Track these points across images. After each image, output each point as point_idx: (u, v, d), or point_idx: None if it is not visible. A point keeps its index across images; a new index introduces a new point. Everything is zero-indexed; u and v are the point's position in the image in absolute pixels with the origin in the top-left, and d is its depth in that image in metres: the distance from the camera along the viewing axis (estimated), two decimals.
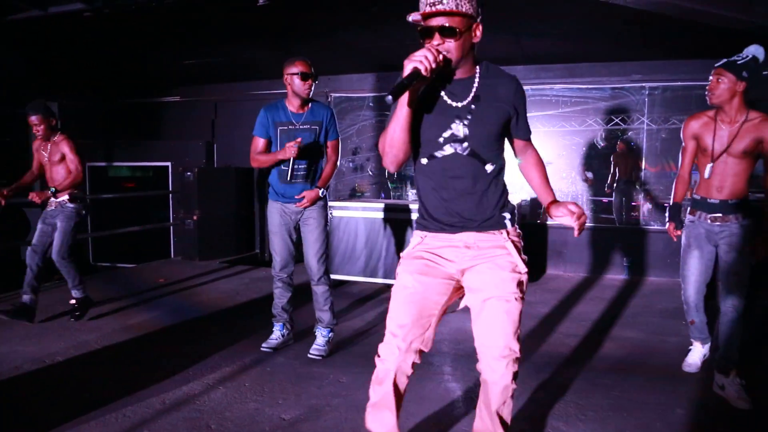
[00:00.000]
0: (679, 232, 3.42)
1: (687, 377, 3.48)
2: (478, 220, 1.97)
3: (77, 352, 3.85)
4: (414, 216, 5.59)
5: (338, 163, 3.82)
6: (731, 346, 3.16)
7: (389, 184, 7.42)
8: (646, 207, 6.60)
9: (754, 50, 3.11)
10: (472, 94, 1.95)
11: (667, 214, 3.51)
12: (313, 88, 3.59)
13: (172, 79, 8.05)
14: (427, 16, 1.84)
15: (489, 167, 1.97)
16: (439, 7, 1.81)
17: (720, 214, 3.19)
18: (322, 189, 3.70)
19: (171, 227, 8.06)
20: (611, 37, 5.34)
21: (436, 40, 1.84)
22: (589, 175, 6.72)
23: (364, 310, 5.04)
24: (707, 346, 3.55)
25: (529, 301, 5.41)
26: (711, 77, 3.09)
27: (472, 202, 1.97)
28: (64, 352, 3.84)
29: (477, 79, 1.96)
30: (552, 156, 6.64)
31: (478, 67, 1.98)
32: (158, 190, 8.40)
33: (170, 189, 8.06)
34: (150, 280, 6.21)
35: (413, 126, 1.89)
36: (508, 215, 2.01)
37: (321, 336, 3.86)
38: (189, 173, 7.26)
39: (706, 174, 3.18)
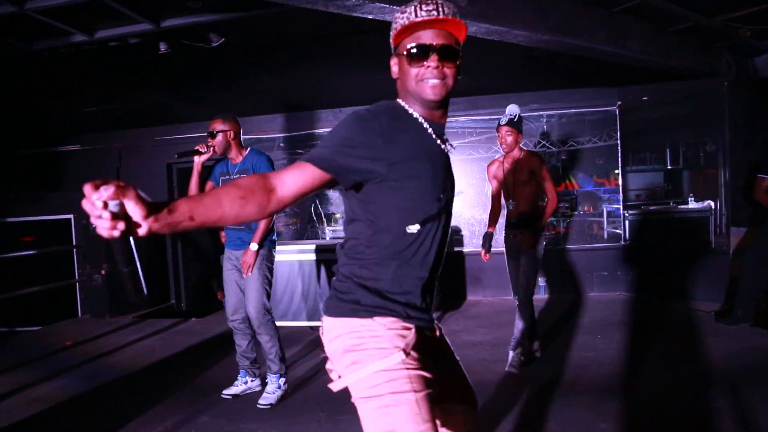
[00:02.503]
0: (489, 256, 4.29)
1: (610, 392, 3.64)
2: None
3: None
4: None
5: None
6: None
7: (315, 224, 7.39)
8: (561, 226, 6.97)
9: (516, 109, 4.10)
10: (448, 146, 1.64)
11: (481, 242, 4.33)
12: (224, 141, 3.65)
13: (72, 127, 7.66)
14: (418, 27, 1.48)
15: None
16: (441, 13, 1.46)
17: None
18: (255, 244, 3.67)
19: (77, 284, 7.55)
20: (510, 71, 5.67)
21: (432, 62, 1.49)
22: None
23: (288, 358, 4.92)
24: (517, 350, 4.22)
25: (453, 330, 5.52)
26: (500, 133, 4.07)
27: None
28: None
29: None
30: (463, 185, 6.89)
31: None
32: (60, 245, 7.86)
33: (74, 243, 7.57)
34: (56, 343, 5.77)
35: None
36: None
37: (271, 383, 3.86)
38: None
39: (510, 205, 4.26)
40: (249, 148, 3.81)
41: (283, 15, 3.33)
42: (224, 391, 3.95)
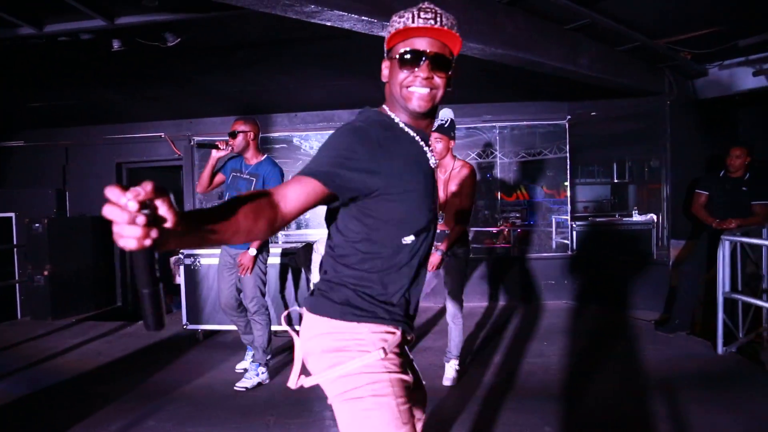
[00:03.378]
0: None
1: (555, 396, 3.77)
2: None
3: None
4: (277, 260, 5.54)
5: None
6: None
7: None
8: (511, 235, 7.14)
9: (448, 113, 3.92)
10: (432, 160, 1.64)
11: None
12: (244, 142, 3.98)
13: (15, 123, 7.37)
14: (414, 33, 1.46)
15: None
16: (438, 23, 1.45)
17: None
18: (253, 249, 3.97)
19: (17, 285, 7.24)
20: (464, 82, 5.78)
21: (423, 70, 1.47)
22: None
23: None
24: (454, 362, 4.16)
25: None
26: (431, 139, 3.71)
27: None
28: None
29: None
30: None
31: None
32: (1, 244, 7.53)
33: (15, 242, 7.27)
34: None
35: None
36: None
37: (251, 370, 4.15)
38: (37, 224, 6.62)
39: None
40: (266, 155, 4.12)
41: (241, 17, 3.32)
42: (237, 365, 4.52)
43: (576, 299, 6.91)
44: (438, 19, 1.44)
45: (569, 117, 6.95)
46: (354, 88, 5.82)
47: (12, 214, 7.19)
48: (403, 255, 1.52)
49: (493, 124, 7.00)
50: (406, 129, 1.55)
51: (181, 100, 6.18)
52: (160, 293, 0.98)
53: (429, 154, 1.58)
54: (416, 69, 1.46)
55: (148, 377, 4.42)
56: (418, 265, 1.57)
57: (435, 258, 3.82)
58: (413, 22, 1.44)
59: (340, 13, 3.24)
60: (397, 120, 1.55)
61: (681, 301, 5.22)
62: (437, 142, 3.88)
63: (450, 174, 3.99)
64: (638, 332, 5.39)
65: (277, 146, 6.99)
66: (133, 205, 0.89)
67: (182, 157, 7.18)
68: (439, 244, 3.85)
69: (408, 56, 1.46)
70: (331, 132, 1.44)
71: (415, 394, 1.71)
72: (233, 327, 5.59)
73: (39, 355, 5.23)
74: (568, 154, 6.99)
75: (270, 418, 3.51)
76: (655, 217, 6.29)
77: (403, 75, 1.48)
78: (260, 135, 4.15)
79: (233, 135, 4.00)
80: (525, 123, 6.99)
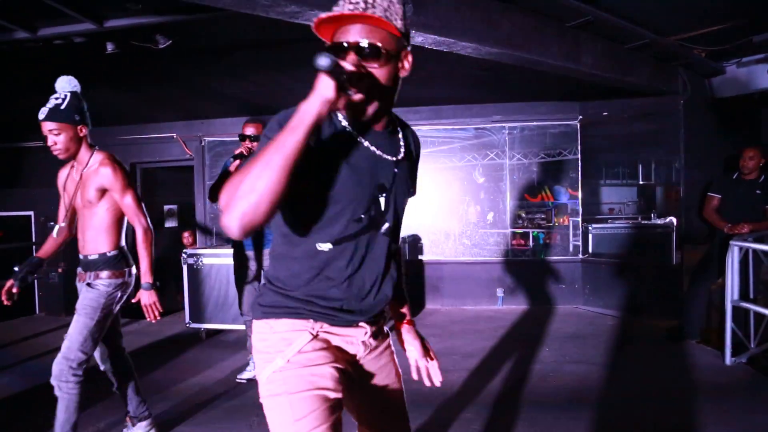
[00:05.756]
0: None
1: (555, 403, 3.67)
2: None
3: None
4: None
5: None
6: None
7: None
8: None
9: (68, 86, 2.86)
10: (402, 151, 1.50)
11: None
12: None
13: (34, 124, 7.55)
14: (338, 22, 1.32)
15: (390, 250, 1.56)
16: (362, 7, 1.29)
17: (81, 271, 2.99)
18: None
19: (35, 281, 7.45)
20: (469, 82, 5.70)
21: (354, 58, 1.30)
22: (478, 208, 7.02)
23: (230, 363, 4.86)
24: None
25: None
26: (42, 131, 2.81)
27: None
28: None
29: (399, 129, 1.53)
30: (423, 195, 6.88)
31: (392, 115, 1.50)
32: (21, 242, 7.75)
33: (33, 240, 7.47)
34: (7, 339, 5.69)
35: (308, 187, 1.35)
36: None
37: (251, 362, 4.27)
38: (52, 223, 6.77)
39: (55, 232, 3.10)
40: None
41: (229, 18, 3.31)
42: (238, 375, 4.34)
43: (587, 304, 6.74)
44: (367, 3, 1.29)
45: (581, 117, 6.77)
46: None
47: (31, 213, 7.41)
48: (324, 261, 1.45)
49: (503, 124, 6.88)
50: (347, 126, 1.41)
51: (188, 101, 6.25)
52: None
53: (379, 155, 1.44)
54: None
55: (147, 374, 4.48)
56: (349, 274, 1.47)
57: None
58: (340, 8, 1.32)
59: (322, 13, 3.21)
60: (340, 116, 1.42)
61: (691, 308, 5.04)
62: (53, 133, 2.80)
63: (84, 176, 2.92)
64: (648, 339, 5.23)
65: None
66: None
67: (193, 158, 7.27)
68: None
69: (331, 49, 1.32)
70: None
71: (368, 409, 1.65)
72: (235, 326, 5.65)
73: (48, 350, 5.36)
74: (579, 155, 6.82)
75: (254, 418, 3.51)
76: (675, 220, 6.08)
77: None
78: None
79: (243, 138, 4.11)
80: (535, 123, 6.85)
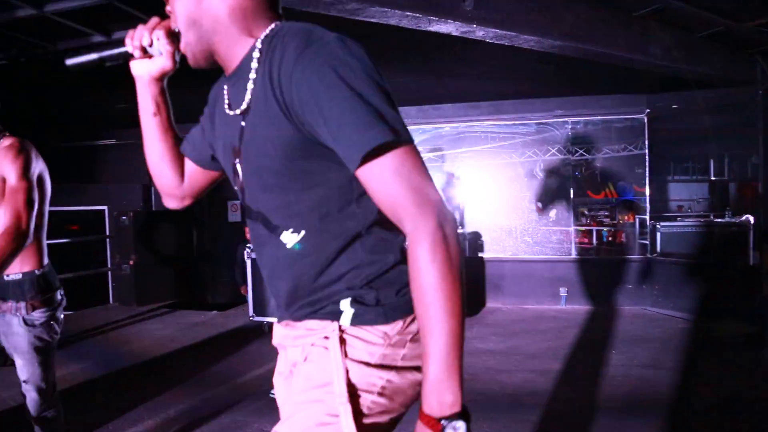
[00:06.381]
0: None
1: (619, 411, 3.54)
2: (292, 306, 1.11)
3: None
4: None
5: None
6: None
7: None
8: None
9: None
10: (245, 99, 1.03)
11: None
12: None
13: (108, 123, 7.97)
14: None
15: (287, 238, 1.05)
16: None
17: None
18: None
19: (109, 272, 7.86)
20: (530, 75, 5.59)
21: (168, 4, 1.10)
22: (540, 205, 6.88)
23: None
24: None
25: (467, 337, 5.45)
26: None
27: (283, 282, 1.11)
28: None
29: (254, 65, 1.01)
30: (486, 191, 6.81)
31: (260, 40, 1.02)
32: (96, 235, 8.21)
33: (107, 233, 7.89)
34: (83, 327, 6.02)
35: None
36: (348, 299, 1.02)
37: None
38: (124, 217, 7.14)
39: None
40: None
41: (291, 18, 3.38)
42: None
43: (656, 306, 6.46)
44: None
45: (648, 110, 6.49)
46: (419, 84, 5.79)
47: (104, 208, 7.82)
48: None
49: (565, 119, 6.69)
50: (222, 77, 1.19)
51: None
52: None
53: (225, 98, 1.13)
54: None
55: (212, 365, 4.64)
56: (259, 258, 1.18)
57: None
58: None
59: (382, 9, 3.22)
60: None
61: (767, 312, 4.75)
62: None
63: None
64: (725, 346, 4.95)
65: None
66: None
67: None
68: None
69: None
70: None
71: None
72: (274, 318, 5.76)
73: (120, 338, 5.68)
74: (646, 150, 6.55)
75: None
76: (752, 218, 5.75)
77: None
78: None
79: None
80: (600, 117, 6.62)
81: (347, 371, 0.97)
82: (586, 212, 6.75)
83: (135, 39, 1.11)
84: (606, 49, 4.16)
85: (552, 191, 6.81)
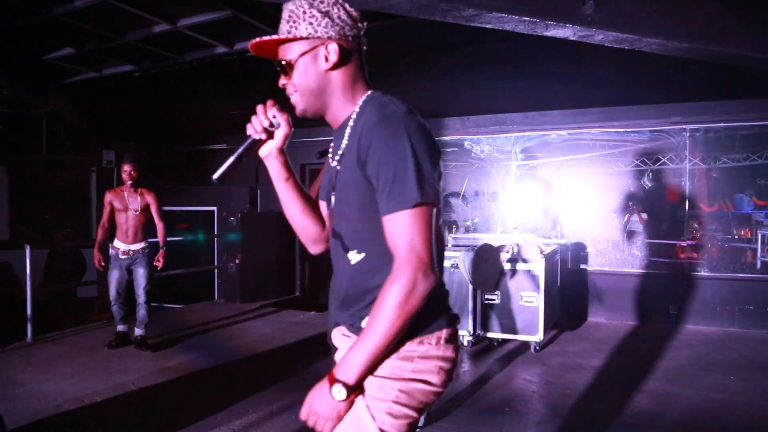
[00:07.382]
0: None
1: None
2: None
3: (114, 393, 4.01)
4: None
5: None
6: None
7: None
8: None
9: None
10: (342, 148, 1.35)
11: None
12: None
13: (220, 129, 8.43)
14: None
15: (352, 257, 1.35)
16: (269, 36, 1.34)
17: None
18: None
19: (215, 270, 8.30)
20: (646, 80, 5.29)
21: (282, 78, 1.39)
22: (644, 216, 6.51)
23: None
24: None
25: (567, 351, 5.24)
26: None
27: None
28: (103, 392, 4.00)
29: (351, 123, 1.34)
30: (591, 201, 6.52)
31: (359, 105, 1.36)
32: (205, 234, 8.69)
33: (215, 233, 8.33)
34: (193, 322, 6.38)
35: None
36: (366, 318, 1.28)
37: None
38: (232, 218, 7.51)
39: None
40: None
41: (399, 26, 3.40)
42: None
43: None
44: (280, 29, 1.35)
45: None
46: (525, 91, 5.65)
47: (214, 208, 8.27)
48: None
49: (683, 126, 6.26)
50: None
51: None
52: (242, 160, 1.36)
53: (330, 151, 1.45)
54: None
55: (312, 364, 4.74)
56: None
57: None
58: None
59: (499, 14, 3.16)
60: None
61: None
62: None
63: None
64: None
65: (449, 150, 7.05)
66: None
67: None
68: None
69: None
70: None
71: None
72: None
73: (225, 333, 5.96)
74: None
75: None
76: None
77: None
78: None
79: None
80: (722, 124, 6.14)
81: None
82: (696, 225, 6.30)
83: (257, 126, 1.38)
84: (738, 50, 3.85)
85: (660, 202, 6.40)
